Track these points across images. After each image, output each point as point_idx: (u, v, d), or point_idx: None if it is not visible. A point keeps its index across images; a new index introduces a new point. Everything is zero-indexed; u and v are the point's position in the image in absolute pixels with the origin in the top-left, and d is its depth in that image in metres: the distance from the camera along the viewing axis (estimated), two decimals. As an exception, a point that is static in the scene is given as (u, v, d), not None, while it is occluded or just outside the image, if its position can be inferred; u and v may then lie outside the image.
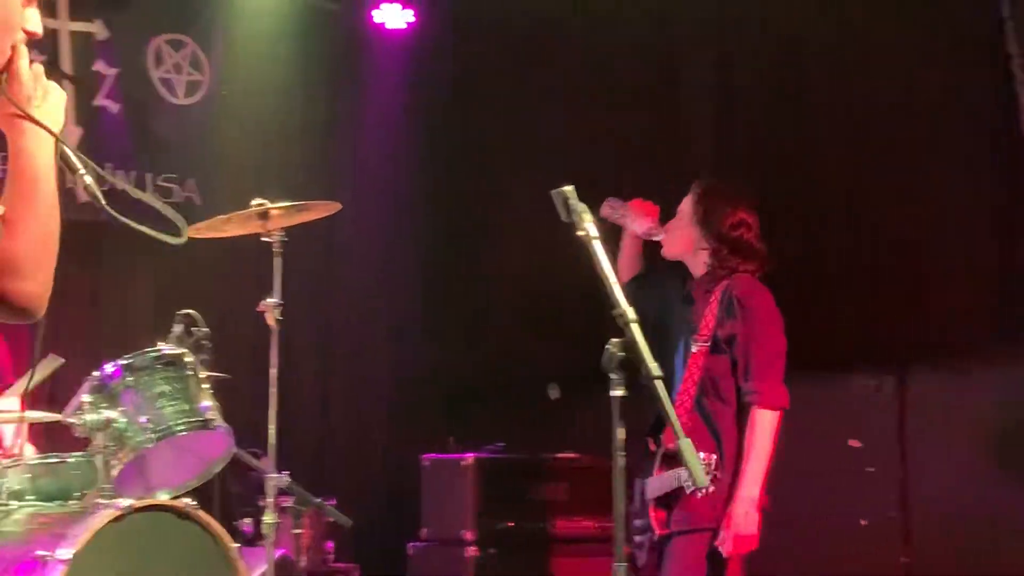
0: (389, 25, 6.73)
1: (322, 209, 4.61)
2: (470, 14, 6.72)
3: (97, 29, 6.03)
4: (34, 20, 2.14)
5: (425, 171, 6.98)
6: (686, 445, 2.89)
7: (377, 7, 6.64)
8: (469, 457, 5.79)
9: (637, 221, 4.56)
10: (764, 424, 4.23)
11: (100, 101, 6.03)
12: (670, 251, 4.55)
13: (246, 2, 6.47)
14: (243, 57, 6.54)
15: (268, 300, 4.38)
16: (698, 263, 4.47)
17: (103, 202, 2.35)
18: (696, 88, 6.65)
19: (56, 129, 2.10)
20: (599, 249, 2.94)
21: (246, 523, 5.17)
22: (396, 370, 7.07)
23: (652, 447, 4.32)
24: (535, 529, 5.83)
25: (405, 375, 7.05)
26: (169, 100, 6.30)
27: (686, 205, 4.56)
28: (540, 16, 6.63)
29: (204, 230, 4.53)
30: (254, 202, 4.41)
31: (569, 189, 2.97)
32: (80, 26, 5.98)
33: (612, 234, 4.11)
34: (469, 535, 5.70)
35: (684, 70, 6.69)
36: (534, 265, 6.55)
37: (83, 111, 5.94)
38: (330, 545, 5.70)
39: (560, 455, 5.92)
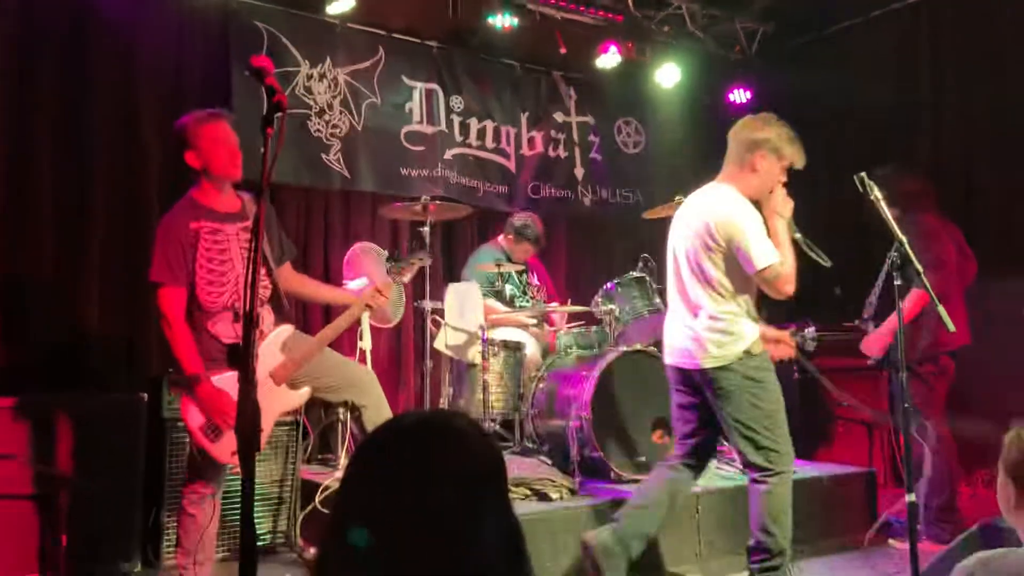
0: (737, 101, 6.26)
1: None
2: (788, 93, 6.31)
3: (590, 119, 6.14)
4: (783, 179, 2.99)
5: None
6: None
7: (731, 92, 6.28)
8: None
9: None
10: None
11: (592, 155, 6.12)
12: None
13: (660, 98, 6.26)
14: (661, 126, 6.40)
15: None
16: None
17: (823, 259, 2.96)
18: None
19: (787, 216, 2.92)
20: (884, 207, 2.81)
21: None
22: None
23: None
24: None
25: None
26: (625, 152, 6.31)
27: None
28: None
29: (652, 214, 4.48)
30: (677, 198, 4.17)
31: (863, 174, 2.81)
32: (581, 119, 6.09)
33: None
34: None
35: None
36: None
37: (585, 162, 6.08)
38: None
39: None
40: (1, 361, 3.97)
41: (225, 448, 2.87)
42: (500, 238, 5.09)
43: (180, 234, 2.90)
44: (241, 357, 1.62)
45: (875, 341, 3.98)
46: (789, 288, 2.88)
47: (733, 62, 6.36)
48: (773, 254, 2.86)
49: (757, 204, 3.02)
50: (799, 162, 3.03)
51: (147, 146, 4.47)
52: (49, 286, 4.19)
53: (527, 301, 4.98)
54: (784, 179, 3.01)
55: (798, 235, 2.98)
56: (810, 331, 5.02)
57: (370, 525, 1.01)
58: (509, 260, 4.94)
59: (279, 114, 1.85)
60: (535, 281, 5.11)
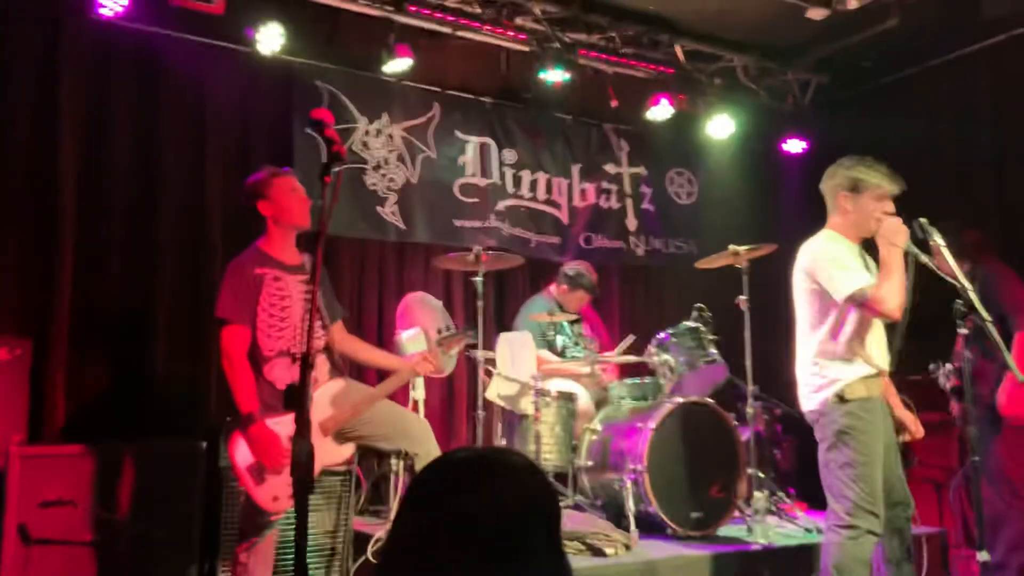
0: (791, 151, 6.17)
1: (766, 249, 4.36)
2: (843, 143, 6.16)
3: (641, 170, 6.14)
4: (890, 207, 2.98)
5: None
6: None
7: (785, 142, 6.20)
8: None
9: None
10: None
11: (645, 205, 6.11)
12: None
13: (712, 148, 6.23)
14: (714, 176, 6.37)
15: (741, 296, 4.25)
16: None
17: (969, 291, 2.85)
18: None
19: (900, 244, 2.86)
20: (948, 254, 2.87)
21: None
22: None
23: None
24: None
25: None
26: (678, 202, 6.29)
27: None
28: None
29: (705, 263, 4.54)
30: (731, 247, 4.33)
31: (924, 220, 2.93)
32: (633, 170, 6.10)
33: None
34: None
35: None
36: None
37: (638, 212, 6.07)
38: (779, 427, 5.16)
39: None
40: (69, 408, 4.07)
41: (268, 492, 2.93)
42: (552, 288, 5.07)
43: (247, 277, 3.04)
44: (297, 397, 1.64)
45: (1009, 394, 3.72)
46: (887, 307, 2.84)
47: (786, 113, 6.32)
48: (859, 280, 2.90)
49: (871, 242, 3.05)
50: (887, 185, 3.05)
51: (212, 200, 4.62)
52: (114, 337, 4.31)
53: (580, 351, 4.93)
54: (887, 208, 3.03)
55: (925, 259, 2.92)
56: (947, 367, 4.82)
57: (419, 549, 0.99)
58: (562, 310, 4.90)
59: (336, 165, 1.92)
60: (588, 332, 5.07)
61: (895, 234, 2.94)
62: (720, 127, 6.03)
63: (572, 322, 4.96)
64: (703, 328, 4.40)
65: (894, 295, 2.86)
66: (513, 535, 0.99)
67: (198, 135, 4.65)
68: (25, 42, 4.20)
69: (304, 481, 1.69)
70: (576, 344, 4.94)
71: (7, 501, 3.34)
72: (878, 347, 3.04)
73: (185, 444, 3.76)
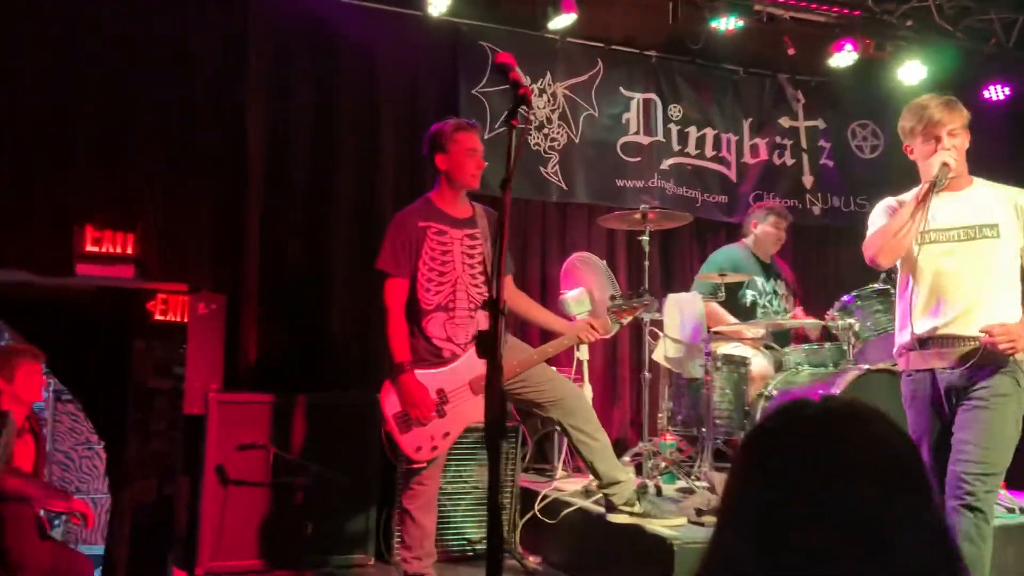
0: (993, 98, 5.68)
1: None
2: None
3: (820, 123, 5.77)
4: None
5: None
6: None
7: (986, 88, 5.72)
8: None
9: None
10: None
11: (823, 161, 5.75)
12: None
13: (901, 97, 5.37)
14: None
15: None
16: None
17: None
18: None
19: (931, 175, 2.67)
20: None
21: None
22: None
23: None
24: None
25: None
26: (861, 156, 5.88)
27: None
28: None
29: None
30: None
31: None
32: (810, 123, 5.75)
33: None
34: None
35: None
36: None
37: (815, 169, 5.73)
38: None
39: None
40: (259, 359, 4.32)
41: (412, 442, 2.99)
42: (746, 239, 4.77)
43: (409, 229, 3.09)
44: (488, 343, 1.62)
45: None
46: (866, 256, 2.76)
47: (988, 56, 5.74)
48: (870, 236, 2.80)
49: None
50: (927, 116, 2.69)
51: (385, 162, 4.76)
52: (298, 294, 4.54)
53: (776, 305, 4.60)
54: (942, 144, 2.68)
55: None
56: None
57: (766, 526, 0.89)
58: (757, 260, 4.63)
59: (523, 107, 1.86)
60: (782, 290, 4.72)
61: (932, 167, 2.65)
62: (911, 73, 5.57)
63: (769, 276, 4.64)
64: (893, 290, 4.03)
65: (871, 243, 2.72)
66: (880, 494, 0.88)
67: (371, 99, 4.77)
68: (215, 16, 4.45)
69: (497, 427, 1.67)
70: (770, 301, 4.61)
71: (207, 444, 3.57)
72: (940, 308, 2.65)
73: (363, 396, 3.90)
